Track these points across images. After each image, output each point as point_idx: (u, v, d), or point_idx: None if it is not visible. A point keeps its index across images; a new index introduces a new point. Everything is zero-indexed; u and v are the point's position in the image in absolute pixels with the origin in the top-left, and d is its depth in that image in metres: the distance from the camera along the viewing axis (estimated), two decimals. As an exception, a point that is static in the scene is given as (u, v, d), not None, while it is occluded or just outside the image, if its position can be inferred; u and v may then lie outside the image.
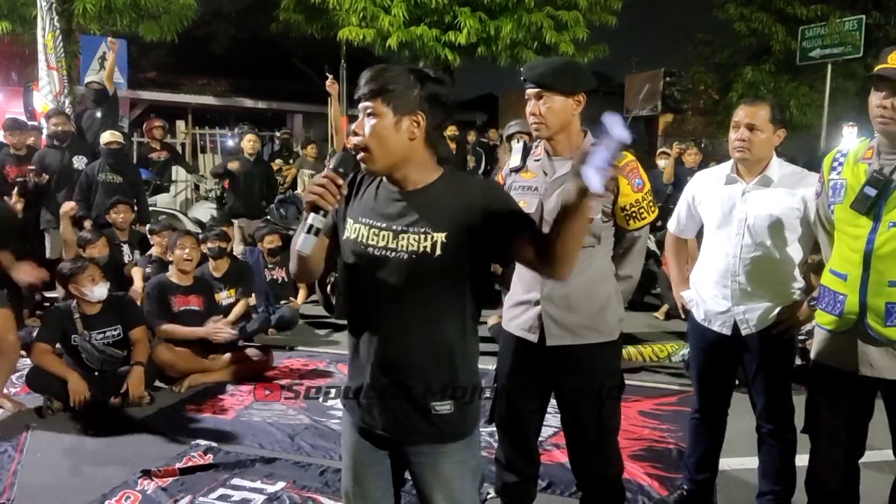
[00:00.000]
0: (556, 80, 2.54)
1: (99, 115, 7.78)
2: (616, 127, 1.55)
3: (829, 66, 12.87)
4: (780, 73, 15.13)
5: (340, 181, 1.80)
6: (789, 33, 14.47)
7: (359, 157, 1.84)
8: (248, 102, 17.21)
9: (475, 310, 1.94)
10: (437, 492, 1.95)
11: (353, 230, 1.91)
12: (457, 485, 1.96)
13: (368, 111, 1.81)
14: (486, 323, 5.30)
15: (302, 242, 1.79)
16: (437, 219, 1.83)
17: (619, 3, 13.10)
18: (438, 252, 1.81)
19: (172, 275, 5.26)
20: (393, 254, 1.84)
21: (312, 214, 1.78)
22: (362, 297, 1.91)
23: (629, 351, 5.29)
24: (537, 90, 2.55)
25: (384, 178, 1.92)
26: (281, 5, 13.75)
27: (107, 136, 6.99)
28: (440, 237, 1.81)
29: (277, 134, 13.08)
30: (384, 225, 1.87)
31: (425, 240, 1.82)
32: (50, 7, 6.46)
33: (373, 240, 1.87)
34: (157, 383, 4.80)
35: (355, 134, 1.83)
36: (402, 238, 1.84)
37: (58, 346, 4.52)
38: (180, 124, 15.31)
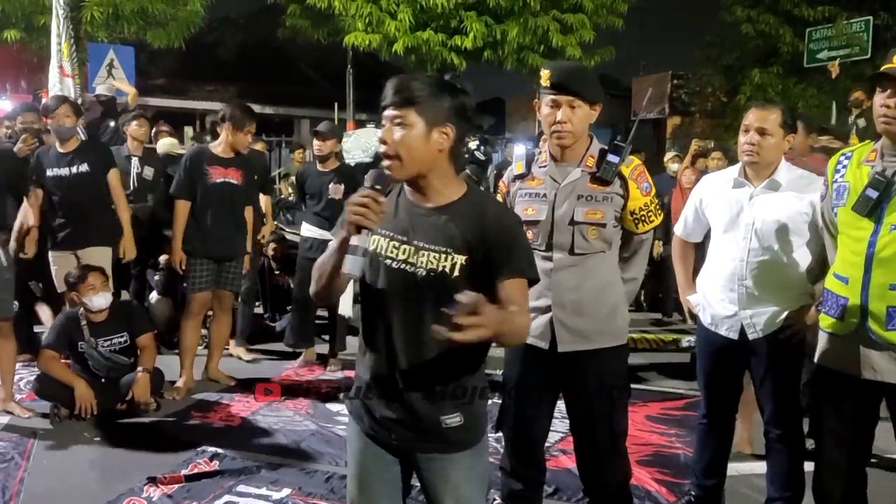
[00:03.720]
0: (585, 89, 2.54)
1: (113, 124, 7.80)
2: None
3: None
4: (787, 75, 15.04)
5: (382, 199, 1.76)
6: (797, 35, 14.40)
7: (385, 163, 1.83)
8: (256, 108, 17.03)
9: None
10: (447, 498, 1.97)
11: (372, 241, 1.90)
12: (466, 491, 1.98)
13: (398, 120, 1.80)
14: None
15: (352, 265, 1.75)
16: (459, 240, 1.83)
17: (626, 5, 13.08)
18: (456, 273, 1.82)
19: None
20: (412, 268, 1.84)
21: (357, 236, 1.75)
22: (377, 307, 1.91)
23: (634, 337, 5.25)
24: (569, 97, 2.54)
25: (405, 190, 1.92)
26: (288, 11, 13.81)
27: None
28: (460, 259, 1.82)
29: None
30: (405, 238, 1.87)
31: (445, 259, 1.83)
32: (67, 16, 6.43)
33: (392, 252, 1.87)
34: (164, 390, 4.80)
35: (383, 142, 1.81)
36: (423, 255, 1.84)
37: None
38: (188, 130, 15.38)
